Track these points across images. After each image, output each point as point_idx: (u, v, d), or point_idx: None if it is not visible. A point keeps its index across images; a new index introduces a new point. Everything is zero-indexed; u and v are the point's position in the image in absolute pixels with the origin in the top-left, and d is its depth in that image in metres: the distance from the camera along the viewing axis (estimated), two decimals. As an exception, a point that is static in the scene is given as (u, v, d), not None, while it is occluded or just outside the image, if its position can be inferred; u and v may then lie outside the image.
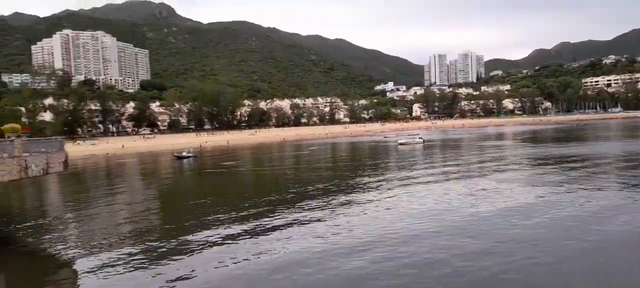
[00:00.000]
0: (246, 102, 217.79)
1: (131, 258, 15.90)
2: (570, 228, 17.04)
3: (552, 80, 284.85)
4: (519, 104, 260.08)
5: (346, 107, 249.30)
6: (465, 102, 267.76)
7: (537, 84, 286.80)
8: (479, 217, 19.48)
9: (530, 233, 16.63)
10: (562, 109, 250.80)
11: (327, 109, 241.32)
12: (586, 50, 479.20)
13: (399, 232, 17.58)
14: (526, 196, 23.73)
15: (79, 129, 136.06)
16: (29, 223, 23.40)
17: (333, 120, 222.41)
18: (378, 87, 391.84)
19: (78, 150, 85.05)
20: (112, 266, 15.12)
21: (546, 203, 21.71)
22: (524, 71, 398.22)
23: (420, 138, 76.84)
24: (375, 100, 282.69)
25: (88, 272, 14.78)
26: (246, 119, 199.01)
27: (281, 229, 18.91)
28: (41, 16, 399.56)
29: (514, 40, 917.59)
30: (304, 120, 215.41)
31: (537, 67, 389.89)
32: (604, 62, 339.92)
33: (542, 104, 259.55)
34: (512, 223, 18.15)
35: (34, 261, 17.07)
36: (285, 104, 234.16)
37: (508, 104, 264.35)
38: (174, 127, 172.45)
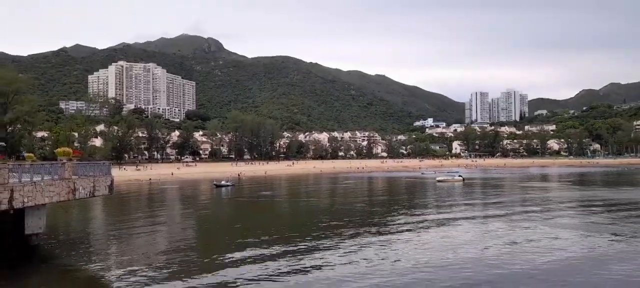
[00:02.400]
0: (285, 133, 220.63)
1: (167, 283, 16.07)
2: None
3: (600, 121, 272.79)
4: (565, 145, 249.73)
5: (384, 141, 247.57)
6: (508, 141, 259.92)
7: (584, 125, 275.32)
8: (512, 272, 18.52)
9: None
10: (612, 152, 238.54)
11: (364, 143, 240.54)
12: (637, 91, 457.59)
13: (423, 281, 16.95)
14: (572, 247, 22.41)
15: (125, 155, 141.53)
16: (72, 245, 24.23)
17: (370, 155, 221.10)
18: (417, 123, 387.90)
19: (124, 175, 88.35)
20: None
21: (592, 257, 20.41)
22: (571, 111, 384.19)
23: (459, 176, 74.84)
24: (414, 136, 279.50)
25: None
26: (284, 150, 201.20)
27: (310, 264, 18.66)
28: (100, 48, 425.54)
29: (561, 80, 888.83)
30: (341, 154, 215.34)
31: (584, 108, 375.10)
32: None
33: (590, 145, 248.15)
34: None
35: (74, 280, 17.57)
36: (323, 136, 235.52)
37: (553, 144, 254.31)
38: (214, 156, 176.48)
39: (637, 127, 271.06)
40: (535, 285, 15.33)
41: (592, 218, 30.47)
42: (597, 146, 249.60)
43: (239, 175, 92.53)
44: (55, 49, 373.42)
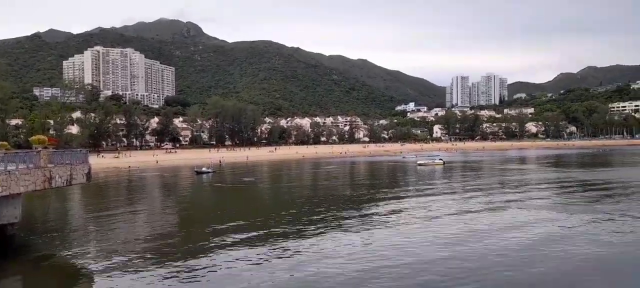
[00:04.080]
0: (267, 119, 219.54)
1: (148, 272, 16.05)
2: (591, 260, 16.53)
3: (577, 104, 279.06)
4: (543, 128, 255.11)
5: (366, 126, 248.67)
6: (487, 125, 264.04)
7: (561, 108, 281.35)
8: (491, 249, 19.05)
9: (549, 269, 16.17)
10: (588, 134, 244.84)
11: (346, 128, 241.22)
12: (613, 75, 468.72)
13: (405, 259, 17.32)
14: (546, 225, 23.12)
15: (103, 142, 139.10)
16: (50, 234, 23.91)
17: (352, 140, 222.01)
18: (399, 108, 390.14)
19: (102, 163, 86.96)
20: (130, 279, 15.29)
21: (565, 234, 21.11)
22: (549, 95, 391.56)
23: (440, 159, 75.92)
24: (395, 121, 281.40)
25: (105, 283, 14.98)
26: (266, 135, 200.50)
27: (293, 248, 18.86)
28: (74, 33, 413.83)
29: (539, 64, 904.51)
30: (323, 139, 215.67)
31: (562, 91, 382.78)
32: (631, 87, 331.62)
33: (567, 128, 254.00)
34: (527, 256, 17.68)
35: (53, 268, 17.41)
36: (305, 122, 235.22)
37: (531, 127, 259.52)
38: (195, 142, 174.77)
39: (612, 109, 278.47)
40: (511, 266, 15.79)
41: (567, 199, 31.37)
42: (573, 128, 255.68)
43: (220, 162, 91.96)
44: (29, 33, 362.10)
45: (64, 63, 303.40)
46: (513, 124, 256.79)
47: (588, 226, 21.73)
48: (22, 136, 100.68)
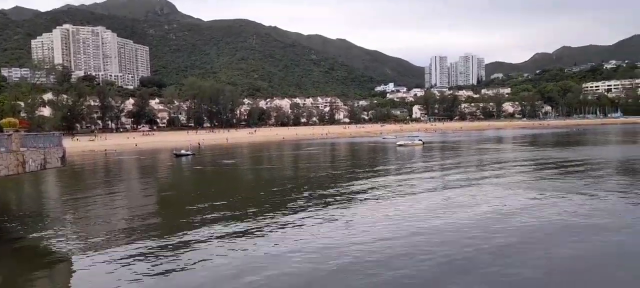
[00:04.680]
0: (246, 100, 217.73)
1: (126, 254, 15.96)
2: (559, 232, 17.17)
3: (552, 84, 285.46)
4: (519, 108, 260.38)
5: (346, 107, 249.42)
6: (466, 105, 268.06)
7: (537, 88, 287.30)
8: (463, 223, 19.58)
9: (518, 238, 16.74)
10: (562, 113, 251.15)
11: (326, 109, 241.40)
12: (587, 54, 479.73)
13: (389, 239, 17.66)
14: (516, 200, 23.83)
15: (77, 125, 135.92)
16: (24, 218, 23.46)
17: (333, 121, 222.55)
18: (378, 88, 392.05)
19: (77, 146, 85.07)
20: (107, 262, 15.19)
21: (536, 207, 21.83)
22: (525, 75, 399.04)
23: (419, 140, 76.86)
24: (375, 101, 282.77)
25: (83, 268, 14.86)
26: (245, 117, 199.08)
27: (274, 229, 19.00)
28: (42, 10, 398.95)
29: (515, 44, 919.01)
30: (303, 120, 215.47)
31: (538, 71, 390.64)
32: (604, 67, 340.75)
33: (542, 108, 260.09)
34: (496, 228, 18.25)
35: (28, 256, 17.11)
36: (284, 103, 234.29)
37: (508, 107, 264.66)
38: (173, 125, 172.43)
39: (586, 89, 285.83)
40: (490, 243, 16.28)
41: (542, 177, 32.33)
42: (548, 108, 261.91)
43: (199, 144, 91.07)
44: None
45: (33, 42, 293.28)
46: (490, 104, 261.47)
47: (556, 200, 22.50)
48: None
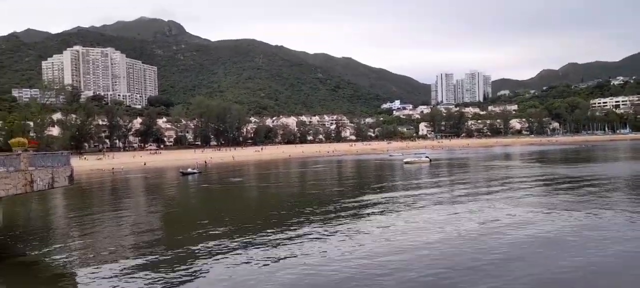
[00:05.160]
0: (252, 118, 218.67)
1: (132, 272, 15.86)
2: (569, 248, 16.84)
3: (559, 100, 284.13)
4: (527, 124, 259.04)
5: (352, 125, 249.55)
6: (472, 122, 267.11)
7: (544, 105, 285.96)
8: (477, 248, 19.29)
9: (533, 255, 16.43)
10: (570, 130, 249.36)
11: (333, 127, 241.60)
12: (594, 71, 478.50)
13: (396, 260, 17.43)
14: (529, 219, 23.49)
15: (85, 144, 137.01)
16: (31, 236, 23.48)
17: (339, 138, 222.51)
18: (384, 106, 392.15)
19: (85, 165, 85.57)
20: (112, 278, 15.09)
21: (548, 226, 21.49)
22: (532, 91, 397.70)
23: (426, 157, 76.48)
24: (381, 119, 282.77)
25: (88, 284, 14.75)
26: (252, 135, 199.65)
27: (281, 249, 18.83)
28: (53, 33, 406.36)
29: (522, 61, 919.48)
30: (309, 138, 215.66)
31: (544, 88, 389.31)
32: (612, 83, 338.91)
33: (550, 124, 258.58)
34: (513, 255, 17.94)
35: (36, 272, 17.08)
36: (291, 121, 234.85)
37: (515, 124, 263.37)
38: (180, 143, 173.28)
39: (594, 105, 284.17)
40: (500, 263, 16.00)
41: (552, 196, 31.90)
42: (556, 124, 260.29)
43: (205, 162, 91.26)
44: (5, 34, 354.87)
45: (43, 63, 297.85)
46: (497, 120, 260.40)
47: (570, 220, 22.14)
48: (1, 139, 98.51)
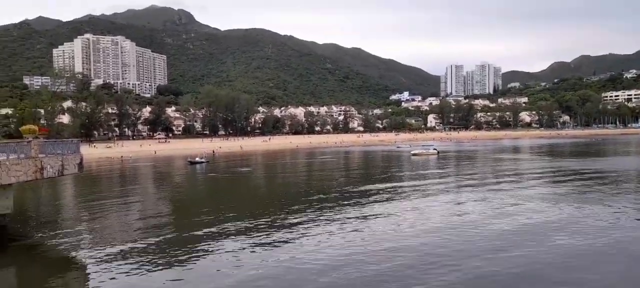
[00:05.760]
0: (260, 108, 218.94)
1: (141, 260, 16.13)
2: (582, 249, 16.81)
3: (571, 93, 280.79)
4: (537, 117, 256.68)
5: (360, 116, 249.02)
6: (482, 114, 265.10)
7: (555, 97, 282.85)
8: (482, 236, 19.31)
9: (540, 254, 16.43)
10: (581, 123, 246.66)
11: (341, 118, 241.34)
12: (607, 63, 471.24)
13: (403, 249, 17.52)
14: (537, 213, 23.42)
15: (95, 132, 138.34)
16: (40, 223, 23.91)
17: (347, 129, 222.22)
18: (393, 97, 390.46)
19: (94, 153, 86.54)
20: (122, 267, 15.37)
21: (556, 220, 21.42)
22: (543, 84, 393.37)
23: (434, 149, 76.23)
24: (390, 110, 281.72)
25: (97, 271, 15.05)
26: (260, 125, 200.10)
27: (287, 238, 19.01)
28: (64, 20, 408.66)
29: (533, 53, 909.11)
30: (317, 128, 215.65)
31: (556, 80, 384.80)
32: (624, 76, 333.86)
33: (560, 117, 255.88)
34: (515, 243, 17.94)
35: (45, 258, 17.45)
36: (299, 111, 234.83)
37: (525, 116, 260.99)
38: (188, 132, 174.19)
39: (606, 98, 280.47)
40: (506, 257, 16.04)
41: (560, 189, 31.72)
42: (567, 118, 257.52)
43: (213, 152, 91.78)
44: (17, 21, 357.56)
45: (54, 51, 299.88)
46: (507, 113, 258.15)
47: (576, 213, 22.04)
48: (12, 126, 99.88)
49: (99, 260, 16.22)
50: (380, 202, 27.40)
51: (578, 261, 14.99)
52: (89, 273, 15.19)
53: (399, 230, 19.52)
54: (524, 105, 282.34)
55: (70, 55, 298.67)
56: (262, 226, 20.82)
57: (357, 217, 22.55)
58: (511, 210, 23.45)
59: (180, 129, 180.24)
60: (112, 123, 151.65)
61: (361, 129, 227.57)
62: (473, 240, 17.56)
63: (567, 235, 18.06)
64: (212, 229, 20.41)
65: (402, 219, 21.91)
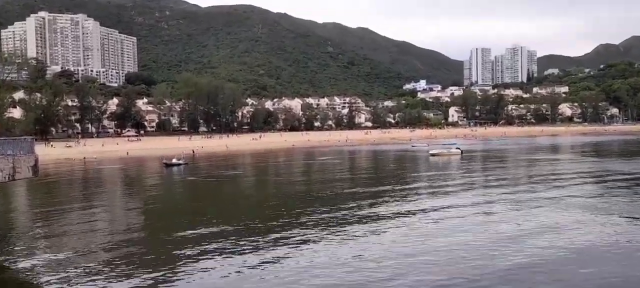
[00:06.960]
0: (249, 100, 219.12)
1: (104, 278, 16.11)
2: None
3: (620, 81, 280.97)
4: (579, 110, 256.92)
5: (368, 108, 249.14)
6: (513, 107, 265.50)
7: (601, 86, 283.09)
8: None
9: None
10: (632, 117, 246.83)
11: (345, 111, 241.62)
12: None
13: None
14: (585, 228, 23.42)
15: (52, 129, 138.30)
16: (-10, 238, 23.85)
17: (352, 125, 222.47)
18: (407, 86, 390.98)
19: (52, 153, 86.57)
20: (83, 286, 15.36)
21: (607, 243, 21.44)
22: (586, 70, 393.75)
23: (457, 148, 76.28)
24: (404, 102, 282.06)
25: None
26: (248, 120, 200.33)
27: (276, 257, 19.00)
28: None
29: (575, 33, 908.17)
30: (317, 124, 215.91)
31: (602, 66, 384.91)
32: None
33: (608, 110, 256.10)
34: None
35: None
36: (295, 103, 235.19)
37: (565, 109, 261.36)
38: (163, 128, 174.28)
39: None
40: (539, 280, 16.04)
41: (609, 199, 31.69)
42: (615, 110, 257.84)
43: (193, 152, 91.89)
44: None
45: (2, 32, 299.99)
46: (543, 105, 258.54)
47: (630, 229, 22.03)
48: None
49: (59, 281, 16.18)
50: (391, 216, 27.35)
51: None
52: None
53: (414, 257, 19.46)
54: (564, 95, 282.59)
55: (22, 37, 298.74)
56: (247, 245, 20.67)
57: (361, 236, 22.48)
58: (550, 223, 23.39)
59: (154, 124, 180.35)
60: (73, 118, 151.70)
61: (369, 124, 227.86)
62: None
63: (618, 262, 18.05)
64: (193, 246, 20.34)
65: (419, 239, 21.86)
